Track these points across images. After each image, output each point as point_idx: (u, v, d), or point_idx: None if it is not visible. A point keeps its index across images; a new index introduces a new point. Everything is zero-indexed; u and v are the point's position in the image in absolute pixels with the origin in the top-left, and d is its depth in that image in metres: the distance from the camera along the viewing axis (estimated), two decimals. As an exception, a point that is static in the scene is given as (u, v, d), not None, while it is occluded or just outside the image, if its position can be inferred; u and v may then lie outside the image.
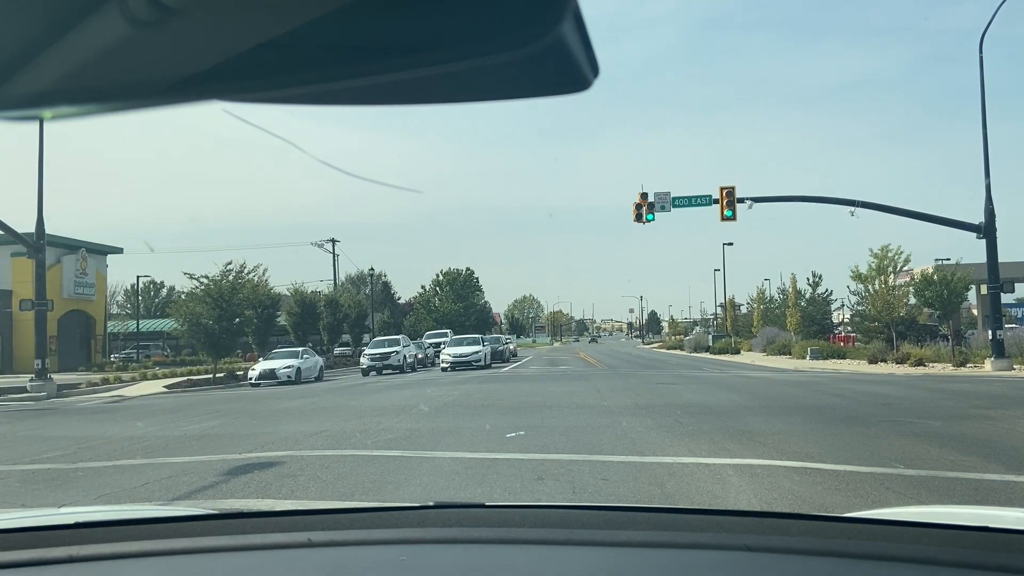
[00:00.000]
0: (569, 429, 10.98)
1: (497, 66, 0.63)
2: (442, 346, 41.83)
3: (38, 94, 0.69)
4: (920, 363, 29.37)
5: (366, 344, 44.50)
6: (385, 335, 40.75)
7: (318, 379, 32.59)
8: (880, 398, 15.60)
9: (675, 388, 18.89)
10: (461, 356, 36.55)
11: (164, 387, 29.87)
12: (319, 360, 34.14)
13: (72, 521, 1.64)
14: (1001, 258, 27.29)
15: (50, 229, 28.04)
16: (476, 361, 36.65)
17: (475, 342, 39.73)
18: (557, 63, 0.64)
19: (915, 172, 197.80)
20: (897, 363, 30.53)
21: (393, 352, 36.55)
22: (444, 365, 36.37)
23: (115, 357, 53.08)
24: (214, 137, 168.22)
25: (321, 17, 0.62)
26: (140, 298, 79.74)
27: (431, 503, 1.74)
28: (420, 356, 42.04)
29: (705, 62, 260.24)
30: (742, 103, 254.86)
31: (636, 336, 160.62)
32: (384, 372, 35.19)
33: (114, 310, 74.42)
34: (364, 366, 36.16)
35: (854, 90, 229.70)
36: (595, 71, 0.67)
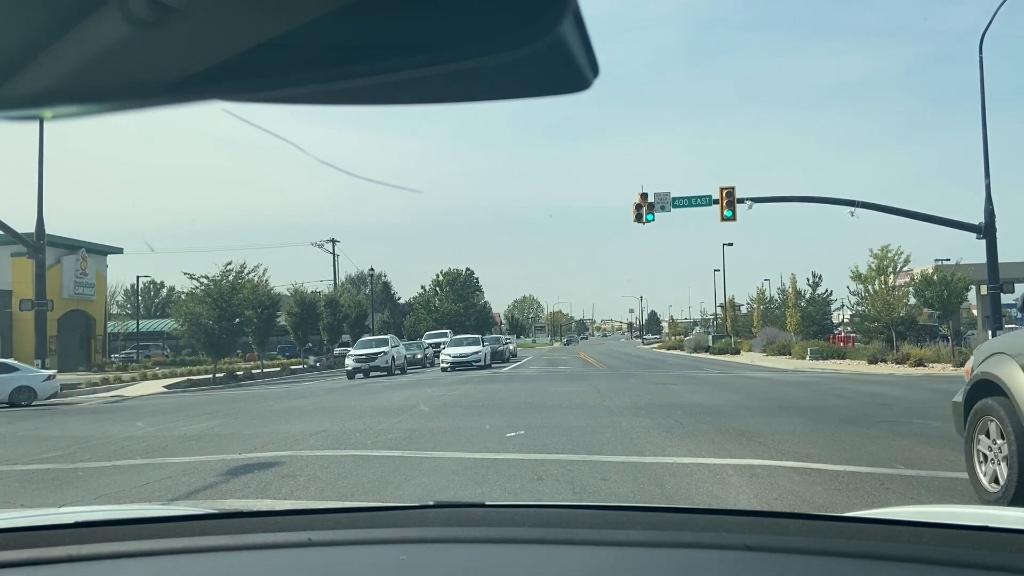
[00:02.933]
0: (569, 429, 10.97)
1: (497, 66, 0.63)
2: (442, 346, 41.20)
3: (38, 94, 0.69)
4: (920, 363, 29.40)
5: None
6: (385, 335, 38.68)
7: (51, 396, 23.24)
8: (880, 398, 15.61)
9: (675, 388, 18.88)
10: (461, 356, 35.89)
11: (164, 387, 29.91)
12: (44, 377, 23.56)
13: (72, 521, 1.64)
14: (1001, 258, 27.31)
15: (50, 229, 28.05)
16: (476, 361, 35.99)
17: (475, 342, 39.00)
18: (557, 63, 0.64)
19: (916, 172, 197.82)
20: (897, 363, 30.56)
21: (380, 353, 34.11)
22: (444, 365, 35.69)
23: (115, 357, 53.06)
24: (214, 137, 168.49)
25: (321, 17, 0.62)
26: (141, 298, 79.70)
27: (431, 502, 1.74)
28: (419, 356, 41.50)
29: (705, 62, 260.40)
30: (743, 103, 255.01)
31: (636, 336, 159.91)
32: (372, 375, 33.05)
33: (114, 310, 74.22)
34: (349, 368, 33.42)
35: (854, 90, 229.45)
36: (595, 71, 0.67)
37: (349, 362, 33.70)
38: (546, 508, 1.81)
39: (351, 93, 0.68)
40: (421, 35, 0.64)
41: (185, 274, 32.25)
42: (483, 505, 1.75)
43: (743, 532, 1.48)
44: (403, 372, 35.42)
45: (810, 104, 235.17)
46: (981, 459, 5.88)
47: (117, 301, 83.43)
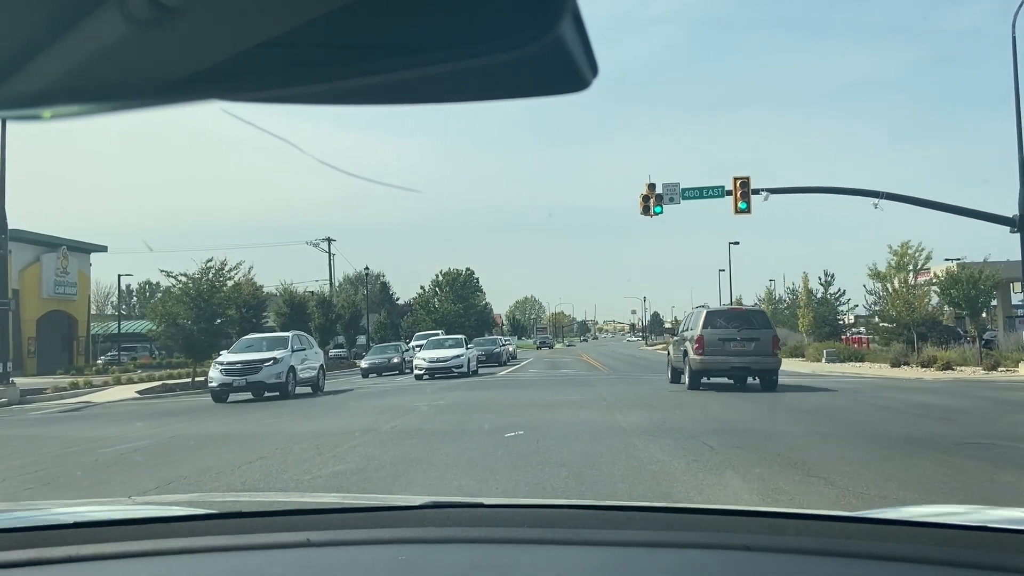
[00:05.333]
0: (572, 458, 8.58)
1: (497, 66, 0.63)
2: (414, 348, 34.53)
3: (38, 93, 0.69)
4: (947, 367, 27.24)
5: (361, 347, 40.76)
6: (286, 332, 25.40)
7: None
8: (935, 410, 13.27)
9: (691, 397, 16.34)
10: (439, 361, 29.47)
11: (137, 392, 27.64)
12: None
13: (72, 521, 1.66)
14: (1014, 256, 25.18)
15: (46, 229, 25.75)
16: (457, 367, 29.64)
17: (457, 344, 31.93)
18: (556, 63, 0.64)
19: (920, 173, 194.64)
20: (923, 366, 28.59)
21: (268, 361, 20.96)
22: (418, 372, 29.26)
23: (103, 359, 50.84)
24: (214, 137, 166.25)
25: (321, 17, 0.62)
26: (137, 299, 77.61)
27: (430, 502, 1.71)
28: (395, 360, 35.18)
29: (706, 63, 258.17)
30: (745, 104, 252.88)
31: (638, 337, 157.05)
32: (266, 395, 21.29)
33: (108, 311, 72.26)
34: (214, 384, 20.86)
35: (861, 89, 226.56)
36: (594, 71, 0.67)
37: (215, 375, 21.07)
38: (545, 508, 1.80)
39: (351, 93, 0.68)
40: (421, 35, 0.64)
41: (162, 271, 29.97)
42: (482, 505, 1.74)
43: (743, 532, 1.47)
44: (318, 390, 23.23)
45: (813, 105, 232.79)
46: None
47: (112, 302, 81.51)
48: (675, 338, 22.01)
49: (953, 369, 26.95)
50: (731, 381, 18.75)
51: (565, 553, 1.47)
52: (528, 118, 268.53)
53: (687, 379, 18.79)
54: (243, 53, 0.63)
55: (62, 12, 0.64)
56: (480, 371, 33.13)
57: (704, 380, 18.43)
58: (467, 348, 31.50)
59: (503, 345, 45.50)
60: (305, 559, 1.50)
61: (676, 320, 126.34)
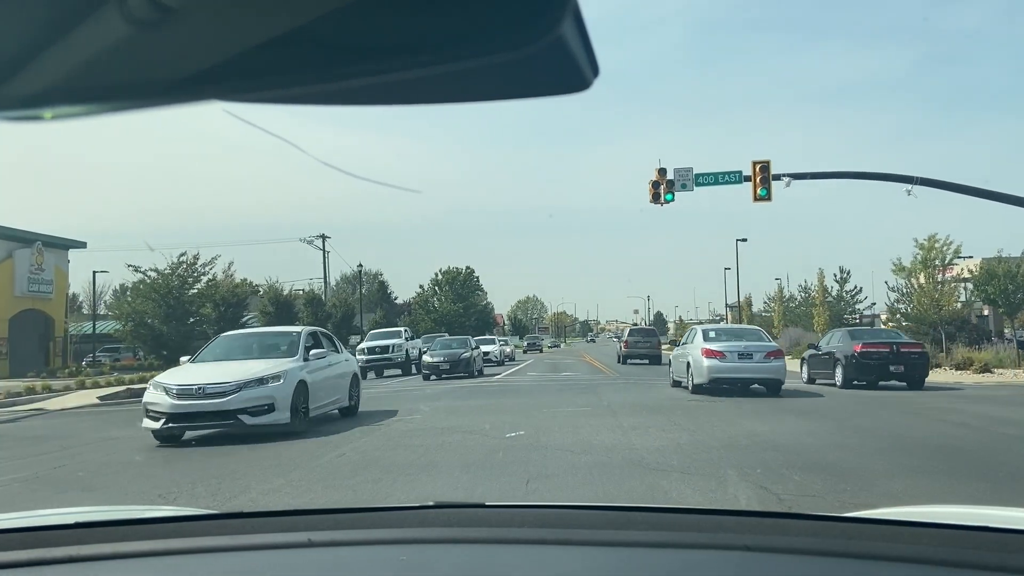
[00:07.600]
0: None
1: (498, 66, 0.64)
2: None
3: (38, 94, 0.69)
4: (986, 369, 24.63)
5: (354, 347, 37.60)
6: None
7: None
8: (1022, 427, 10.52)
9: (720, 408, 13.64)
10: (200, 395, 11.48)
11: (98, 398, 24.97)
12: None
13: (72, 521, 1.66)
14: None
15: (41, 228, 23.21)
16: (257, 407, 11.45)
17: (275, 348, 13.40)
18: (557, 63, 0.65)
19: (926, 172, 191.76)
20: (958, 369, 25.99)
21: None
22: (152, 422, 11.57)
23: (87, 361, 48.22)
24: (213, 137, 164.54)
25: (321, 17, 0.62)
26: (130, 297, 74.90)
27: (431, 503, 1.69)
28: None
29: (709, 63, 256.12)
30: (747, 105, 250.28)
31: (614, 339, 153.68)
32: None
33: (102, 309, 69.93)
34: None
35: (861, 91, 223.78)
36: (595, 71, 0.67)
37: None
38: (546, 508, 1.79)
39: (351, 93, 0.68)
40: (421, 35, 0.64)
41: (129, 266, 27.39)
42: (483, 505, 1.75)
43: (743, 532, 1.48)
44: None
45: (816, 105, 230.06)
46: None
47: (105, 300, 79.18)
48: (619, 340, 45.93)
49: (992, 372, 25.04)
50: (646, 361, 36.67)
51: (566, 554, 1.48)
52: (529, 118, 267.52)
53: (620, 359, 39.03)
54: (243, 53, 0.63)
55: (62, 12, 0.64)
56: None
57: (629, 361, 37.75)
58: (303, 360, 12.75)
59: (475, 348, 32.08)
60: (306, 559, 1.51)
61: (681, 320, 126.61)
